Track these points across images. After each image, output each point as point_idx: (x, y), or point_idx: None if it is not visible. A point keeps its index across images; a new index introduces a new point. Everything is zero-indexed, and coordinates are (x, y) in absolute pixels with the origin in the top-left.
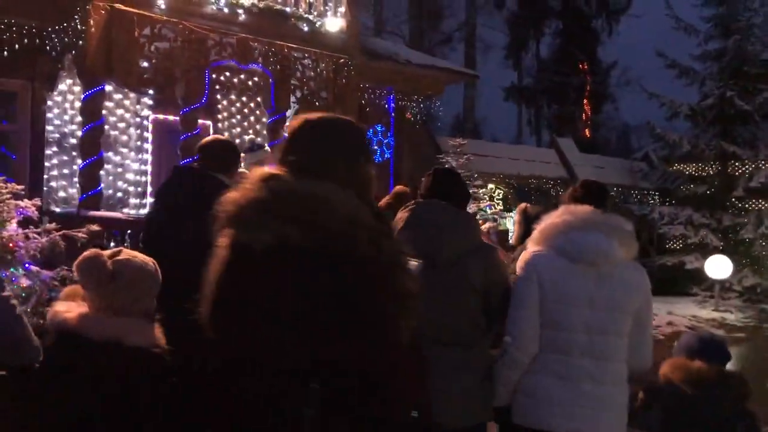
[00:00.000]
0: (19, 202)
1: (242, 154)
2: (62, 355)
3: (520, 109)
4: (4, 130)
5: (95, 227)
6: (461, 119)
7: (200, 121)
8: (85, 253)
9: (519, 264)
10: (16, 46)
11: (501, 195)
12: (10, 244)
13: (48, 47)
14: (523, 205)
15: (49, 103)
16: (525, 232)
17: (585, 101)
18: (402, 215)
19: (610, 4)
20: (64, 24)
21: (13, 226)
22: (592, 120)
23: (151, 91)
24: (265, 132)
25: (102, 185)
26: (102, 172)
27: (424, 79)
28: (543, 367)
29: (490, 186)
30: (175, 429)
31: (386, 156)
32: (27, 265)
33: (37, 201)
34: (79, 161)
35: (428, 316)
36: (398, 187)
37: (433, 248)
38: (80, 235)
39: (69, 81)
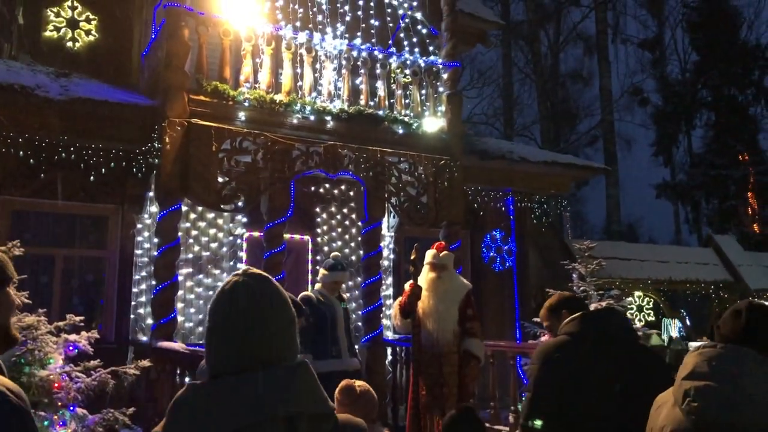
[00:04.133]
0: (70, 336)
1: (323, 272)
2: None
3: (676, 208)
4: (95, 256)
5: (145, 363)
6: (618, 222)
7: (299, 237)
8: (343, 382)
9: None
10: (103, 170)
11: (651, 304)
12: (54, 385)
13: (134, 169)
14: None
15: (139, 226)
16: None
17: (749, 194)
18: (690, 358)
19: None
20: (149, 145)
21: (58, 363)
22: (761, 214)
23: (229, 208)
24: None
25: (176, 312)
26: (192, 296)
27: (544, 177)
28: None
29: (638, 294)
30: None
31: (507, 264)
32: (72, 408)
33: (94, 333)
34: None
35: None
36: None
37: (735, 412)
38: (130, 371)
39: None
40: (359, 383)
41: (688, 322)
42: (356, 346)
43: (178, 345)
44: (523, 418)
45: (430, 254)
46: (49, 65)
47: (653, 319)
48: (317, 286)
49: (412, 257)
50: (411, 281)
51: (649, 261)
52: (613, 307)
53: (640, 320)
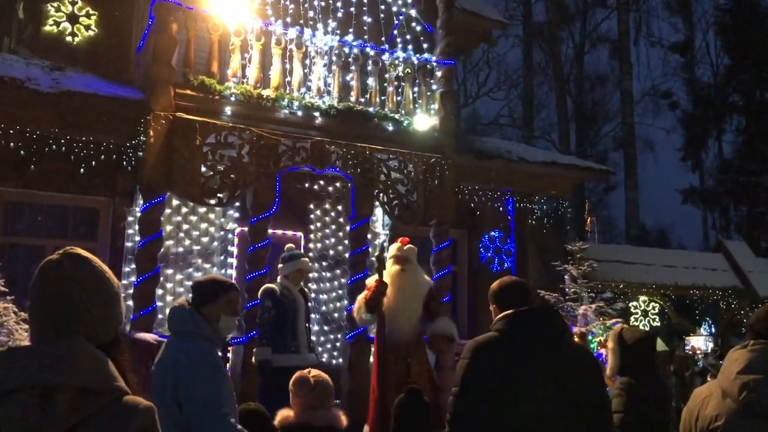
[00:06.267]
0: None
1: (280, 265)
2: None
3: (704, 213)
4: (86, 248)
5: None
6: (637, 226)
7: (291, 233)
8: (297, 374)
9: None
10: (93, 163)
11: (657, 309)
12: None
13: (125, 163)
14: (618, 327)
15: (130, 218)
16: (621, 362)
17: None
18: (738, 355)
19: None
20: (138, 138)
21: None
22: None
23: (212, 202)
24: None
25: (157, 304)
26: (181, 289)
27: (544, 178)
28: None
29: (643, 299)
30: None
31: (506, 264)
32: None
33: None
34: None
35: None
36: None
37: None
38: None
39: None
40: (314, 373)
41: (713, 329)
42: (332, 344)
43: (150, 336)
44: (450, 417)
45: (394, 247)
46: (48, 59)
47: (658, 324)
48: (278, 279)
49: (377, 254)
50: (376, 277)
51: (654, 265)
52: (547, 305)
53: (644, 325)
